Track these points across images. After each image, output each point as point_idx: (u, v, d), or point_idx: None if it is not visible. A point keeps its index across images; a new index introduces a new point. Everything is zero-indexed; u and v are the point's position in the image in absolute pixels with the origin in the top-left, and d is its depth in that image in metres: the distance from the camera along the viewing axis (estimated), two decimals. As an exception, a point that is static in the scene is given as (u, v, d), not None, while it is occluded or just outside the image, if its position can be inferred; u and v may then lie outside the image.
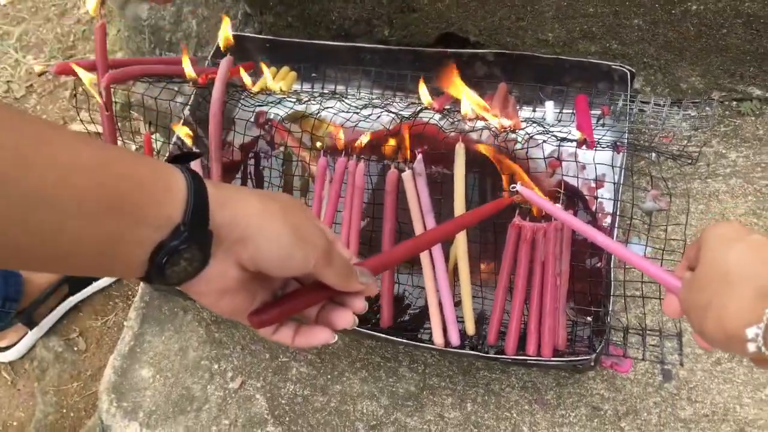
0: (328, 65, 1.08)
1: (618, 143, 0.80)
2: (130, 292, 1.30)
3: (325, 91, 1.05)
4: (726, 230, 0.44)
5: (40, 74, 1.73)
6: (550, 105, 0.93)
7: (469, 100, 0.79)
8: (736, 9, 0.88)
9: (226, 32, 0.93)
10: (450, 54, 1.02)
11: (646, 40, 0.95)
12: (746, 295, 0.39)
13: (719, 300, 0.41)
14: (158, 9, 1.30)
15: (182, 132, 0.91)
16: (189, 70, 0.87)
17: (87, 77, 0.79)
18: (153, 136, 1.54)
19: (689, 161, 0.76)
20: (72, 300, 1.26)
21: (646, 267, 0.51)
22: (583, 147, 0.78)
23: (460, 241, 0.81)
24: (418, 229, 0.82)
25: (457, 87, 0.80)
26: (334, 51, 1.07)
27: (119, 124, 1.59)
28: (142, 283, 1.06)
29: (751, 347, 0.39)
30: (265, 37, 1.10)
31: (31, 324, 1.21)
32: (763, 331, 0.38)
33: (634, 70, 0.92)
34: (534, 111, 0.99)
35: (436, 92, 0.90)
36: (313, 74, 1.08)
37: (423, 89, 0.85)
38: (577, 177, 0.89)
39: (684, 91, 1.00)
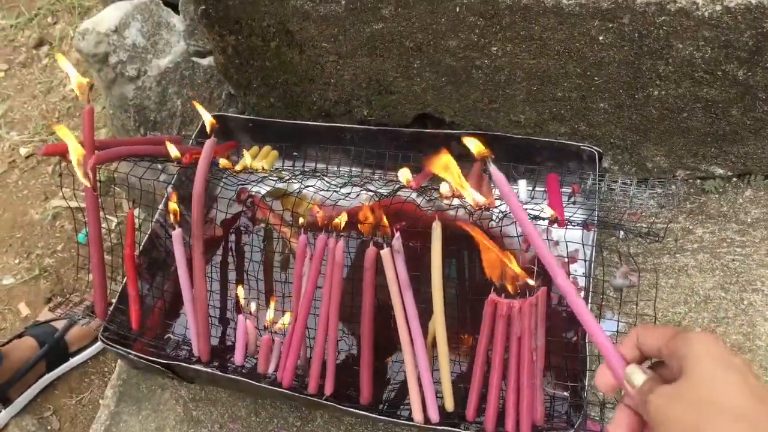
0: (309, 144, 1.12)
1: (588, 222, 0.83)
2: (106, 369, 1.28)
3: (306, 169, 1.08)
4: (717, 352, 0.41)
5: (27, 157, 1.75)
6: (522, 183, 0.96)
7: (453, 175, 0.82)
8: (695, 94, 0.93)
9: (207, 116, 0.96)
10: (426, 134, 1.06)
11: (613, 122, 1.00)
12: None
13: (715, 430, 0.39)
14: (144, 89, 1.34)
15: (171, 207, 0.93)
16: (173, 151, 0.90)
17: (75, 158, 0.81)
18: (135, 212, 1.55)
19: (656, 239, 0.79)
20: (48, 377, 1.24)
21: (594, 332, 0.48)
22: (555, 225, 0.81)
23: (438, 315, 0.83)
24: (397, 305, 0.84)
25: (447, 165, 0.83)
26: (315, 130, 1.11)
27: (101, 198, 1.60)
28: (119, 360, 1.05)
29: None
30: (247, 117, 1.14)
31: (5, 402, 1.19)
32: None
33: (601, 151, 0.97)
34: (508, 188, 1.02)
35: (413, 170, 0.93)
36: (295, 153, 1.12)
37: (403, 171, 0.88)
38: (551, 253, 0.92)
39: (650, 170, 1.05)
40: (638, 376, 0.46)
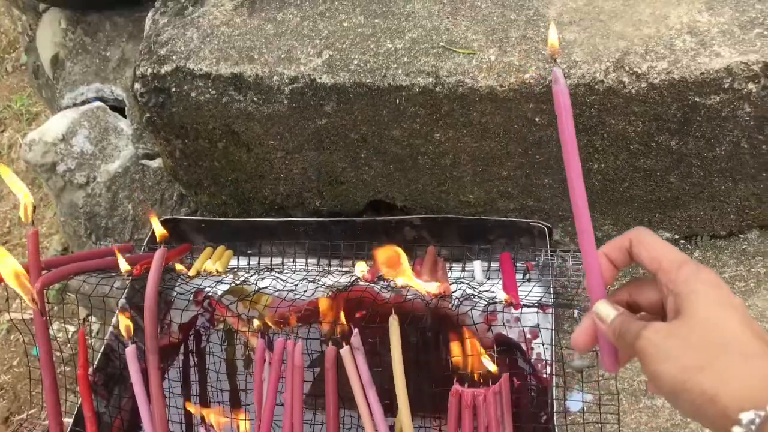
0: (263, 240, 1.11)
1: (543, 303, 0.84)
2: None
3: (261, 267, 1.07)
4: (720, 294, 0.40)
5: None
6: (478, 264, 0.97)
7: (401, 273, 0.82)
8: (633, 165, 0.96)
9: (159, 229, 0.96)
10: (378, 222, 1.07)
11: (559, 196, 1.02)
12: (755, 374, 0.36)
13: (719, 369, 0.37)
14: (94, 196, 1.33)
15: (123, 324, 0.91)
16: (123, 265, 0.89)
17: (15, 284, 0.79)
18: (90, 319, 1.51)
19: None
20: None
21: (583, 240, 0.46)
22: (510, 308, 0.81)
23: (403, 411, 0.81)
24: (361, 404, 0.82)
25: (393, 261, 0.84)
26: (268, 227, 1.11)
27: (54, 308, 1.56)
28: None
29: (736, 431, 0.35)
30: (199, 218, 1.14)
31: None
32: (762, 420, 0.35)
33: (550, 226, 0.99)
34: (464, 270, 1.03)
35: (368, 258, 0.93)
36: (249, 251, 1.11)
37: (359, 264, 0.88)
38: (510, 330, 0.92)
39: (600, 238, 1.06)
40: (608, 309, 0.45)
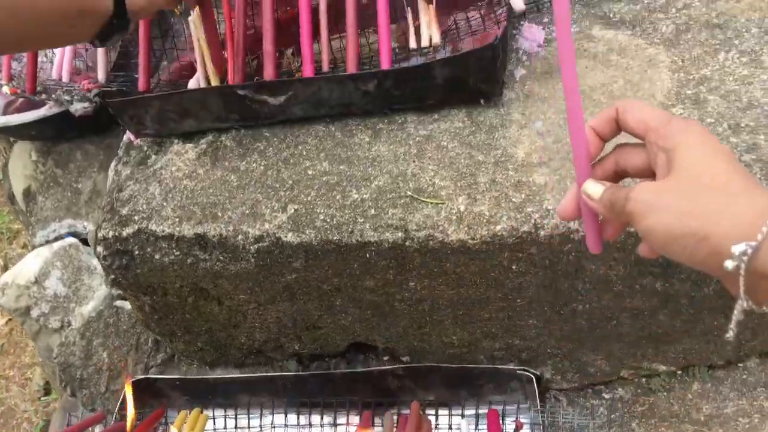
0: (241, 395, 1.06)
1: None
2: None
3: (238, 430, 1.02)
4: (709, 141, 0.41)
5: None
6: (464, 425, 0.92)
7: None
8: (620, 305, 0.91)
9: (130, 403, 0.91)
10: (359, 374, 1.02)
11: (545, 335, 0.98)
12: (743, 210, 0.37)
13: (709, 210, 0.38)
14: (69, 345, 1.29)
15: None
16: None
17: None
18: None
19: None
20: None
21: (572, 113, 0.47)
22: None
23: None
24: None
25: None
26: (246, 381, 1.06)
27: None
28: None
29: (730, 265, 0.36)
30: (174, 377, 1.09)
31: None
32: (753, 250, 0.36)
33: (538, 374, 0.93)
34: (450, 414, 0.98)
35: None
36: (227, 407, 1.06)
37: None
38: None
39: (593, 374, 1.01)
40: (595, 187, 0.46)
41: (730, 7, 0.99)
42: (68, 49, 1.08)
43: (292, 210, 0.95)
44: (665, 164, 0.42)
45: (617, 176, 0.48)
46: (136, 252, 1.01)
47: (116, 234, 1.01)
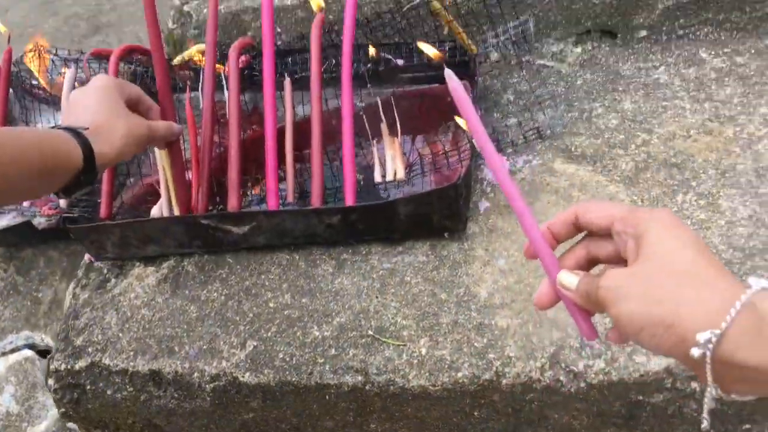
0: None
1: None
2: None
3: None
4: (675, 230, 0.42)
5: None
6: None
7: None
8: None
9: None
10: None
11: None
12: (709, 299, 0.38)
13: (677, 299, 0.39)
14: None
15: None
16: None
17: None
18: None
19: None
20: None
21: (526, 225, 0.48)
22: None
23: None
24: None
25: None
26: None
27: None
28: None
29: (696, 353, 0.37)
30: None
31: None
32: (717, 338, 0.36)
33: None
34: None
35: None
36: None
37: None
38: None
39: None
40: (570, 277, 0.47)
41: (687, 146, 1.02)
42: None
43: (251, 347, 0.93)
44: (634, 250, 0.43)
45: (589, 264, 0.49)
46: (88, 387, 0.97)
47: (68, 367, 0.97)
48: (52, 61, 1.08)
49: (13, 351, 1.40)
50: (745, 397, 0.40)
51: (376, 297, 0.95)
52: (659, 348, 0.40)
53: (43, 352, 1.41)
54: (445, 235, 0.99)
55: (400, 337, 0.89)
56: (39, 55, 1.07)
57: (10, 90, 1.17)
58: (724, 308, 0.37)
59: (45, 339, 1.39)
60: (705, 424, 0.41)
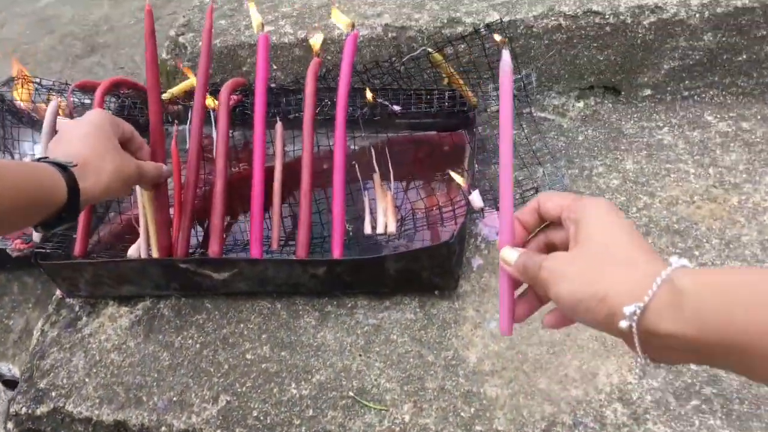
0: None
1: None
2: None
3: None
4: (609, 215, 0.46)
5: None
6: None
7: None
8: None
9: None
10: None
11: None
12: (634, 275, 0.42)
13: (609, 278, 0.43)
14: None
15: None
16: None
17: None
18: None
19: None
20: None
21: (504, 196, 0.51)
22: None
23: None
24: None
25: None
26: None
27: None
28: None
29: (624, 324, 0.41)
30: None
31: None
32: (641, 311, 0.40)
33: None
34: None
35: None
36: None
37: None
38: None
39: None
40: (512, 252, 0.51)
41: (690, 212, 0.98)
42: None
43: (224, 402, 0.88)
44: (574, 235, 0.47)
45: (548, 249, 0.52)
46: (48, 434, 0.91)
47: (29, 411, 0.92)
48: (36, 89, 1.04)
49: (-23, 381, 1.34)
50: (672, 365, 0.45)
51: (360, 355, 0.90)
52: (595, 322, 0.44)
53: (9, 383, 1.35)
54: (435, 292, 0.94)
55: (382, 401, 0.84)
56: (21, 84, 1.02)
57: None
58: (647, 284, 0.41)
59: (12, 369, 1.33)
60: None
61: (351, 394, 0.86)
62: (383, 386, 0.86)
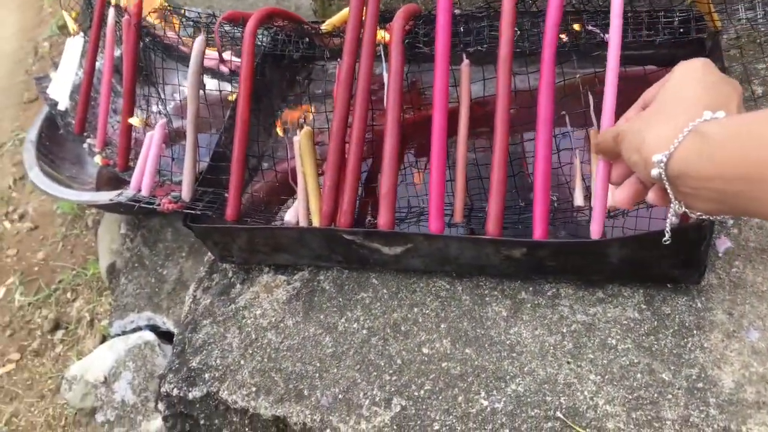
0: None
1: None
2: None
3: None
4: (692, 67, 0.48)
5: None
6: None
7: None
8: None
9: None
10: None
11: None
12: (668, 128, 0.44)
13: (651, 128, 0.46)
14: None
15: None
16: None
17: None
18: None
19: None
20: None
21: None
22: None
23: None
24: None
25: None
26: None
27: None
28: None
29: (654, 172, 0.44)
30: None
31: None
32: (667, 159, 0.43)
33: None
34: None
35: None
36: None
37: None
38: None
39: None
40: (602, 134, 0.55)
41: None
42: (151, 157, 0.91)
43: (398, 407, 0.73)
44: (654, 97, 0.50)
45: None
46: (202, 421, 0.82)
47: (181, 394, 0.82)
48: (182, 22, 0.90)
49: (134, 330, 1.30)
50: (706, 216, 0.44)
51: (568, 362, 0.71)
52: (640, 171, 0.47)
53: (164, 334, 1.31)
54: (668, 284, 0.72)
55: (602, 429, 0.65)
56: (164, 18, 0.89)
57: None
58: (675, 135, 0.43)
59: (166, 323, 1.28)
60: (666, 237, 0.51)
61: (559, 414, 0.67)
62: (602, 409, 0.67)
